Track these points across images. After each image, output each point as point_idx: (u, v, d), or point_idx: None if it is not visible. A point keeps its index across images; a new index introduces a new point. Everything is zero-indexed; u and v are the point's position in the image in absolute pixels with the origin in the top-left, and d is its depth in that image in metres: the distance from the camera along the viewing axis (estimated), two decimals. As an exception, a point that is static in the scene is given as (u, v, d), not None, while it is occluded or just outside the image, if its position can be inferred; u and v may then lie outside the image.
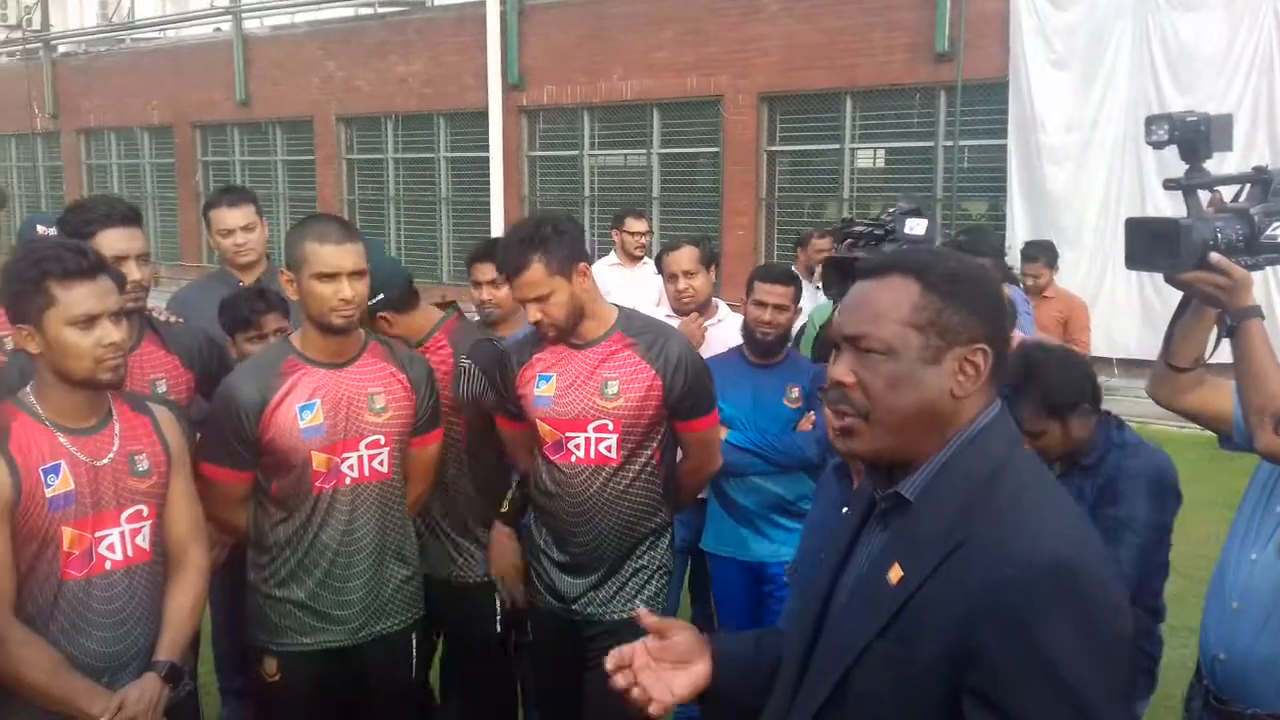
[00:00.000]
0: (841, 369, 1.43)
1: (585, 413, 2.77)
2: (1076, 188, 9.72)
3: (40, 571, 2.21)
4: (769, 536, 3.46)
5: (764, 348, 3.49)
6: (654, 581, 2.90)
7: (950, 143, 10.56)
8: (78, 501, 2.23)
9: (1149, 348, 10.16)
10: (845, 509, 1.61)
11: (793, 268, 4.44)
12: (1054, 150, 9.78)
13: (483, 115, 13.75)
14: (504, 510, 3.06)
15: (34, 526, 2.18)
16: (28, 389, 2.29)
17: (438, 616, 3.08)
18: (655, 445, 2.84)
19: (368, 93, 15.09)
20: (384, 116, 15.09)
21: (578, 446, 2.79)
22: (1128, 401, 9.64)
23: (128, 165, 18.84)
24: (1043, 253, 6.14)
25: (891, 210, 3.22)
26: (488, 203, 13.68)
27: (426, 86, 14.46)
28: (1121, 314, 9.52)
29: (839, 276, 3.18)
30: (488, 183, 13.85)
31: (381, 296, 2.97)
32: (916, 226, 3.18)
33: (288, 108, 15.99)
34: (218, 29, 17.47)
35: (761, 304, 3.48)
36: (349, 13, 16.19)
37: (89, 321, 2.20)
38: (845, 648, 1.39)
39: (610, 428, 2.76)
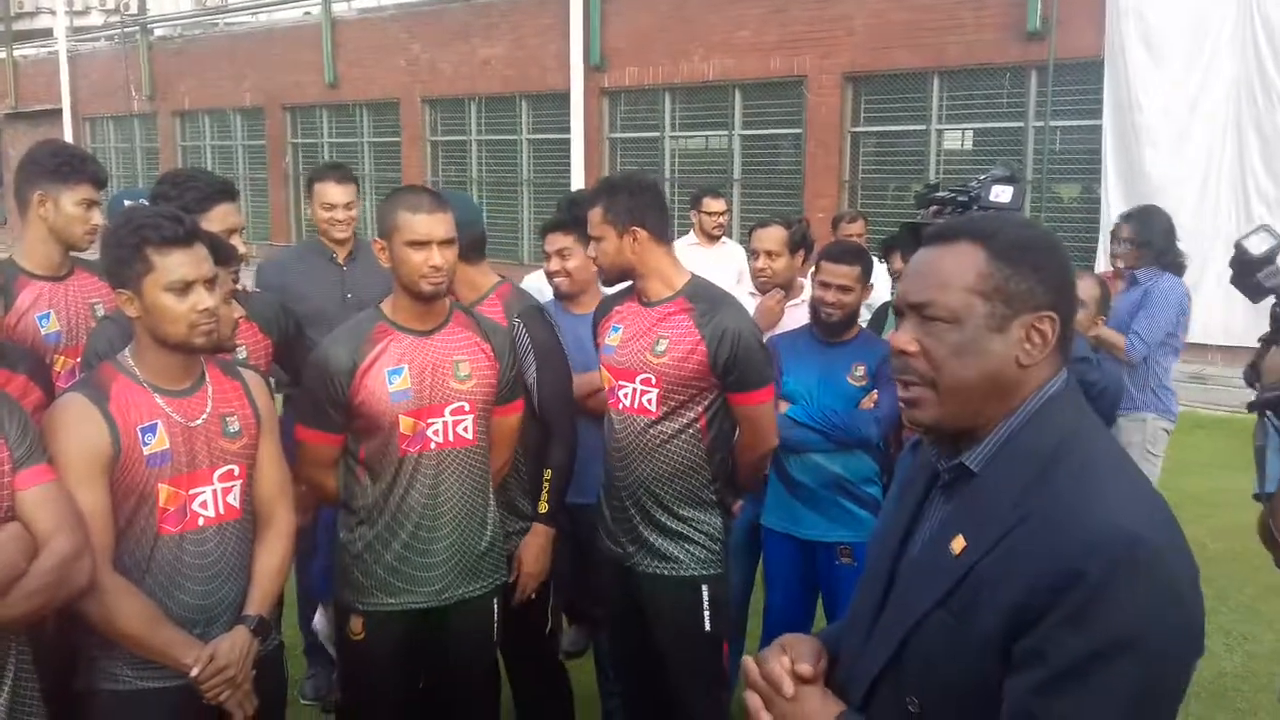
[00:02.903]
0: (904, 338, 1.43)
1: (635, 365, 2.94)
2: (1175, 171, 9.41)
3: (137, 526, 2.28)
4: (825, 515, 3.44)
5: (828, 328, 3.48)
6: (697, 545, 2.96)
7: (1041, 123, 10.29)
8: (173, 459, 2.30)
9: (1250, 334, 9.76)
10: (923, 480, 1.59)
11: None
12: (1152, 132, 9.48)
13: (564, 97, 13.81)
14: (543, 511, 3.10)
15: (132, 482, 2.26)
16: (126, 351, 2.37)
17: None
18: (701, 410, 2.92)
19: (451, 75, 15.26)
20: (467, 99, 15.24)
21: (625, 395, 2.97)
22: (1226, 391, 9.34)
23: (220, 146, 19.34)
24: None
25: (981, 177, 3.16)
26: (569, 184, 13.73)
27: (509, 69, 14.57)
28: (1222, 300, 9.21)
29: (916, 244, 3.14)
30: (569, 164, 13.92)
31: None
32: (1002, 194, 3.11)
33: (374, 90, 16.25)
34: (307, 13, 17.81)
35: (826, 284, 3.48)
36: (435, -5, 16.41)
37: (184, 287, 2.27)
38: (907, 613, 1.41)
39: (653, 381, 2.90)
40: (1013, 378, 1.38)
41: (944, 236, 1.45)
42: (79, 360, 2.87)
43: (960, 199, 3.05)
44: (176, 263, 2.27)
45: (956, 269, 1.40)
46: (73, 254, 3.07)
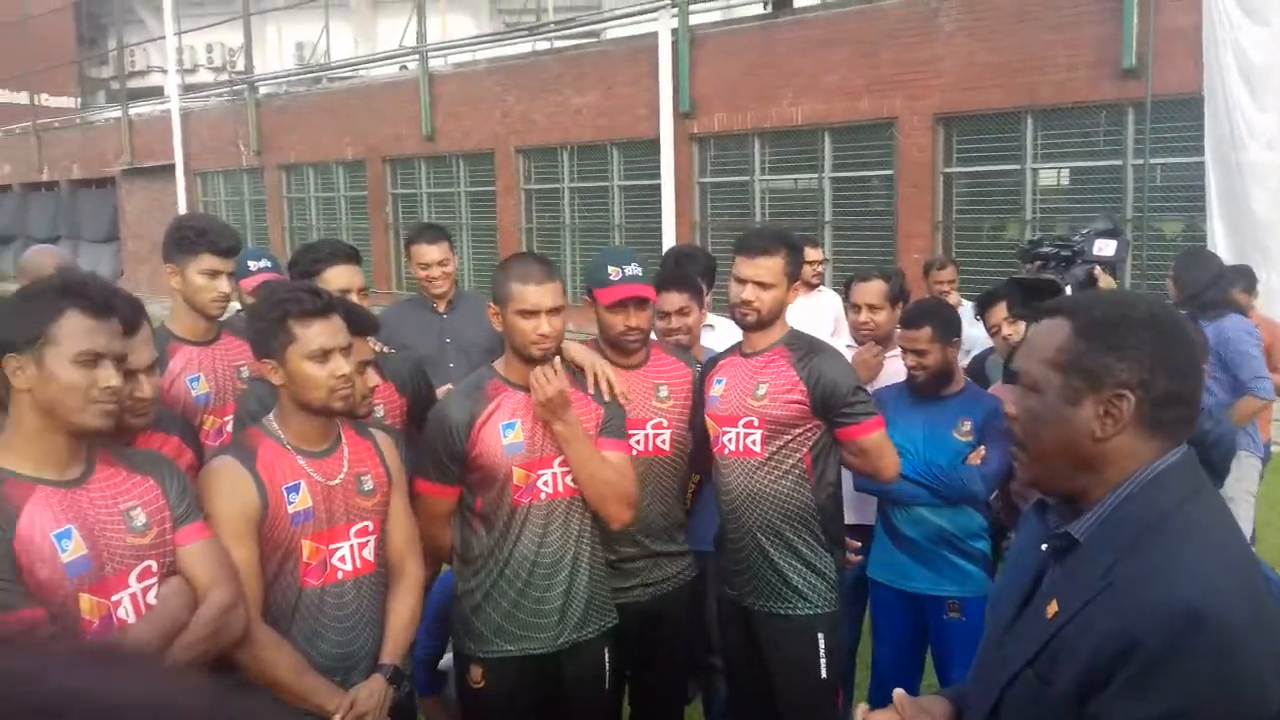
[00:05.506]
0: (1008, 401, 1.55)
1: (737, 410, 3.11)
2: (1282, 208, 9.16)
3: (283, 580, 2.45)
4: (932, 569, 3.47)
5: (920, 387, 3.56)
6: (809, 585, 3.10)
7: (1140, 161, 10.14)
8: (315, 517, 2.46)
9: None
10: (1045, 545, 1.65)
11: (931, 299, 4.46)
12: (1256, 168, 9.25)
13: (655, 144, 14.03)
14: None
15: (278, 539, 2.42)
16: (271, 416, 2.55)
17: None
18: (806, 450, 3.08)
19: (544, 125, 15.62)
20: (560, 148, 15.57)
21: (730, 440, 3.13)
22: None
23: (324, 198, 20.03)
24: (1240, 277, 5.84)
25: (1085, 230, 3.20)
26: (659, 229, 13.93)
27: (600, 118, 14.87)
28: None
29: (1023, 297, 3.19)
30: (659, 209, 14.11)
31: None
32: (1105, 247, 3.16)
33: (470, 141, 16.70)
34: (404, 67, 18.45)
35: (904, 349, 3.59)
36: (527, 49, 16.84)
37: (324, 355, 2.43)
38: (1003, 673, 1.48)
39: (755, 424, 3.08)
40: (1091, 450, 1.43)
41: (1050, 310, 1.55)
42: (225, 419, 3.07)
43: (1064, 253, 3.09)
44: (316, 333, 2.44)
45: (1043, 342, 1.49)
46: (220, 319, 3.27)
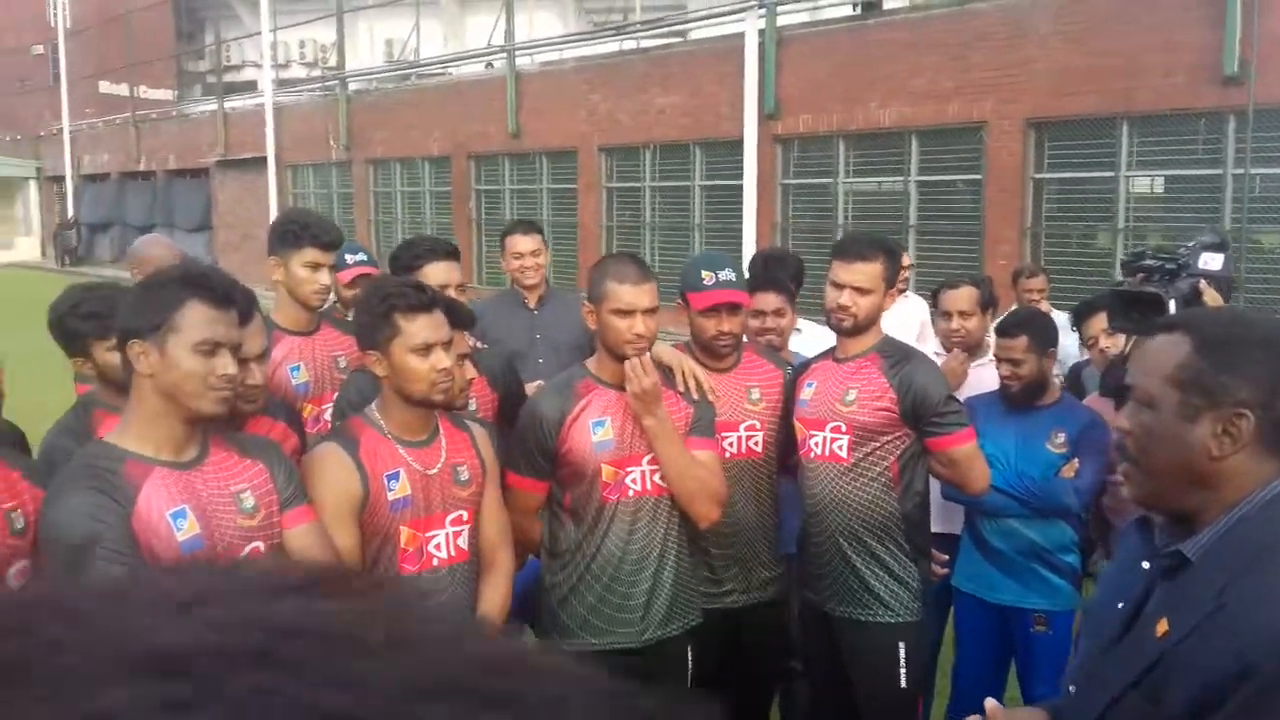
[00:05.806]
0: (1120, 416, 1.53)
1: (825, 415, 3.12)
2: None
3: (381, 565, 2.52)
4: (1019, 581, 3.43)
5: (1013, 397, 3.51)
6: (892, 592, 3.09)
7: (1240, 170, 9.83)
8: (413, 504, 2.53)
9: None
10: (1146, 563, 1.63)
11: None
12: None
13: (738, 144, 14.01)
14: None
15: (378, 525, 2.50)
16: (373, 406, 2.62)
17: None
18: (894, 458, 3.06)
19: (628, 124, 15.69)
20: (643, 147, 15.64)
21: (817, 444, 3.14)
22: None
23: (409, 193, 20.39)
24: None
25: (1190, 243, 3.13)
26: (740, 229, 13.91)
27: (684, 117, 14.89)
28: None
29: (1125, 310, 3.14)
30: (740, 210, 14.09)
31: None
32: (1212, 261, 3.09)
33: (554, 139, 16.85)
34: (491, 65, 18.69)
35: (998, 358, 3.56)
36: (614, 48, 16.94)
37: (426, 349, 2.50)
38: (1103, 694, 1.46)
39: (843, 429, 3.08)
40: (1207, 469, 1.42)
41: (1166, 326, 1.53)
42: (323, 408, 3.17)
43: (1169, 266, 3.03)
44: (419, 326, 2.50)
45: (1161, 358, 1.47)
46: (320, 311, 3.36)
